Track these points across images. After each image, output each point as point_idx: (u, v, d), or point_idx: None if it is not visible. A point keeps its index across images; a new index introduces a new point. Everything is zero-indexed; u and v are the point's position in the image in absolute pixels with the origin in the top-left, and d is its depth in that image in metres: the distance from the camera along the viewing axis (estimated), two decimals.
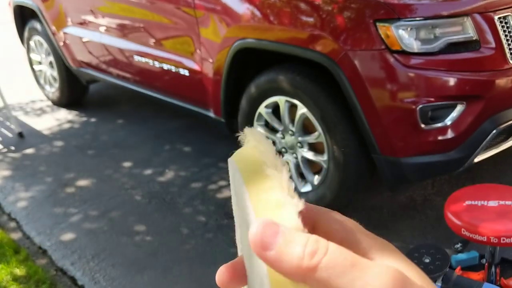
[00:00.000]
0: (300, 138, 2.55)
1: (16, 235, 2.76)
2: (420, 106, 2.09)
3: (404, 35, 2.07)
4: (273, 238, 0.25)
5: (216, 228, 2.63)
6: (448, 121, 2.14)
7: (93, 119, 4.34)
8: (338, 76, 2.21)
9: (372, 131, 2.19)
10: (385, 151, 2.22)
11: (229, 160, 0.34)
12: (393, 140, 2.19)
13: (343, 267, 0.24)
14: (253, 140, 0.33)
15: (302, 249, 0.25)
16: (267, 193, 0.28)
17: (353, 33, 2.17)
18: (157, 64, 3.24)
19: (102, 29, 3.66)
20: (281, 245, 0.25)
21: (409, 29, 2.07)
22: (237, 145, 0.36)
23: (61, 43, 4.18)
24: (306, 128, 2.55)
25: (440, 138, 2.17)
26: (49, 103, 4.78)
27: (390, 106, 2.13)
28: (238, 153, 0.34)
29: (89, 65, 4.06)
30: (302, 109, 2.45)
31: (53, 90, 4.61)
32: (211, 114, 3.02)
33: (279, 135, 2.66)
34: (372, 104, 2.14)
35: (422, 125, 2.12)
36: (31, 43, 4.65)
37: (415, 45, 2.08)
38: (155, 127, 4.01)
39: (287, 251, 0.25)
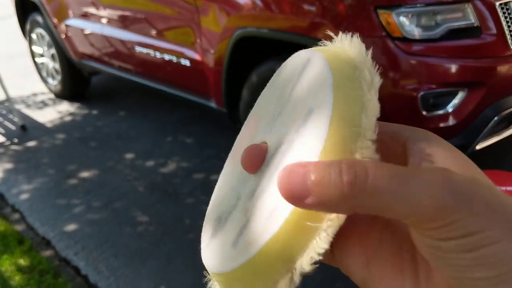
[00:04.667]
0: None
1: (19, 227, 2.77)
2: (422, 93, 2.08)
3: (405, 22, 2.06)
4: (303, 185, 0.23)
5: None
6: (449, 108, 2.13)
7: (95, 111, 4.34)
8: None
9: None
10: None
11: (307, 52, 0.32)
12: None
13: (389, 187, 0.22)
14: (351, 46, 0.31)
15: (338, 180, 0.23)
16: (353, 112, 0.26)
17: (354, 21, 2.16)
18: (158, 54, 3.24)
19: (104, 20, 3.66)
20: (314, 186, 0.23)
21: (410, 15, 2.06)
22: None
23: (63, 35, 4.18)
24: None
25: (441, 125, 2.16)
26: (51, 96, 4.79)
27: (392, 93, 2.13)
28: (328, 50, 0.31)
29: (91, 57, 4.06)
30: None
31: (56, 82, 4.61)
32: (213, 104, 3.02)
33: None
34: None
35: (424, 112, 2.11)
36: (33, 35, 4.65)
37: (416, 32, 2.07)
38: (157, 119, 4.01)
39: (323, 191, 0.23)
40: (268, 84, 0.35)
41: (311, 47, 0.33)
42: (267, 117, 0.32)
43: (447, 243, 0.22)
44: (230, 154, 0.36)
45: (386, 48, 2.07)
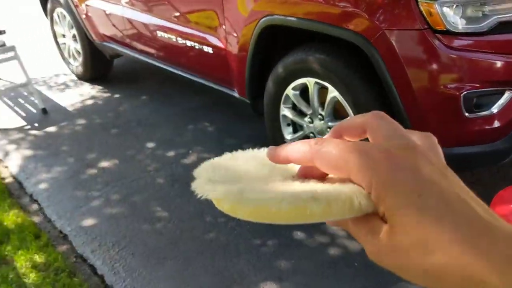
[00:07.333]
0: (330, 123, 2.38)
1: (37, 218, 2.71)
2: (465, 92, 1.89)
3: (449, 13, 1.85)
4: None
5: None
6: (494, 109, 1.94)
7: (116, 95, 4.24)
8: (373, 58, 2.02)
9: (409, 119, 2.00)
10: None
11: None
12: (432, 129, 2.00)
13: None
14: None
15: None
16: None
17: (391, 10, 1.96)
18: (180, 40, 3.09)
19: (124, 1, 3.51)
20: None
21: (454, 6, 1.85)
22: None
23: (84, 16, 4.06)
24: (337, 112, 2.37)
25: (485, 127, 1.97)
26: (73, 77, 4.71)
27: (431, 92, 1.93)
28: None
29: (112, 39, 3.94)
30: (333, 92, 2.28)
31: (77, 64, 4.52)
32: (236, 94, 2.87)
33: (307, 119, 2.49)
34: (411, 90, 1.95)
35: (466, 113, 1.92)
36: (54, 15, 4.55)
37: (460, 24, 1.86)
38: (178, 105, 3.89)
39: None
40: None
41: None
42: None
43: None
44: None
45: (426, 42, 1.87)
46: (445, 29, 1.86)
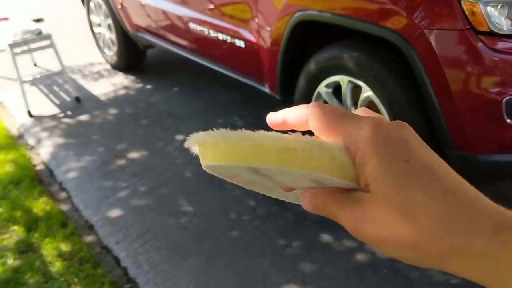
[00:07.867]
0: None
1: (65, 207, 2.73)
2: (507, 97, 1.78)
3: (493, 13, 1.75)
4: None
5: (265, 214, 2.47)
6: None
7: (148, 86, 4.25)
8: (410, 58, 1.93)
9: (447, 123, 1.91)
10: (460, 145, 1.94)
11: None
12: (470, 134, 1.90)
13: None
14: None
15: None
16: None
17: (431, 9, 1.86)
18: (212, 33, 3.05)
19: None
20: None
21: (499, 6, 1.74)
22: None
23: (119, 6, 4.07)
24: None
25: None
26: (107, 66, 4.74)
27: (471, 96, 1.84)
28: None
29: (145, 29, 3.93)
30: (367, 92, 2.20)
31: (111, 53, 4.55)
32: (266, 89, 2.81)
33: None
34: (449, 93, 1.85)
35: (508, 120, 1.82)
36: (91, 4, 4.58)
37: (505, 26, 1.76)
38: (209, 98, 3.86)
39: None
40: None
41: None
42: None
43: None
44: None
45: (468, 43, 1.78)
46: (488, 30, 1.75)
